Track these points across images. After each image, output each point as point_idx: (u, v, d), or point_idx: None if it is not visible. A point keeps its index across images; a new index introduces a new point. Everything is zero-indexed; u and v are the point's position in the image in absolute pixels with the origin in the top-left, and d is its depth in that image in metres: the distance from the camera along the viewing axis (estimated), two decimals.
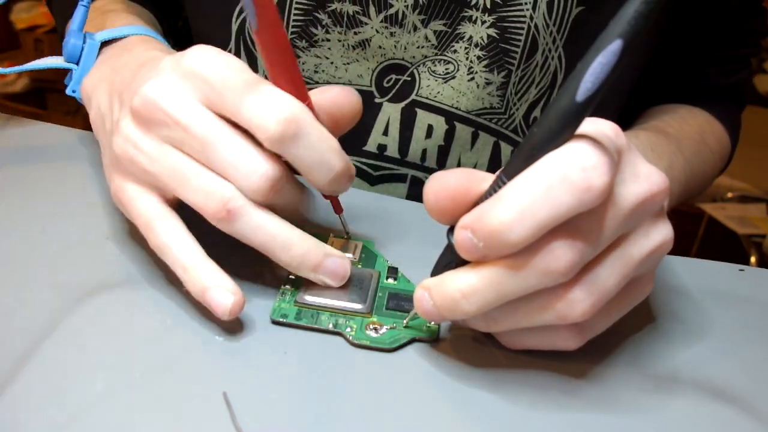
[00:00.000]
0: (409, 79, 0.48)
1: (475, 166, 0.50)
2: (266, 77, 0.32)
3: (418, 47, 0.47)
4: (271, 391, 0.27)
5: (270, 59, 0.31)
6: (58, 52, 0.47)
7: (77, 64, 0.44)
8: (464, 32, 0.46)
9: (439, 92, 0.48)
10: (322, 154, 0.30)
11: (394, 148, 0.50)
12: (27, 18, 2.16)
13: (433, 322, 0.32)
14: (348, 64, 0.48)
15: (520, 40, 0.46)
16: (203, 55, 0.30)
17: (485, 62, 0.47)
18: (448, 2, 0.45)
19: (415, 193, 0.51)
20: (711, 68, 0.59)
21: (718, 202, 1.60)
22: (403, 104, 0.49)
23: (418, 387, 0.29)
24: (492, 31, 0.46)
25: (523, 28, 0.46)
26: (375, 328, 0.31)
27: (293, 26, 0.47)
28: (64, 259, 0.34)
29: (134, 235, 0.36)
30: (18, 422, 0.25)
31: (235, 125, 0.30)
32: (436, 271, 0.30)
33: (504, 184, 0.26)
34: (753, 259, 1.42)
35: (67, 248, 0.35)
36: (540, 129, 0.25)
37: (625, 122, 0.59)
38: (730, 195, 1.63)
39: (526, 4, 0.45)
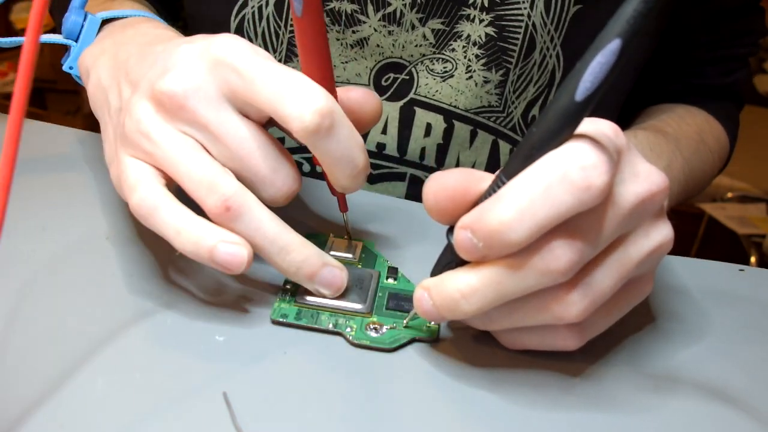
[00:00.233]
0: (408, 77, 0.48)
1: (473, 165, 0.50)
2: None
3: (416, 46, 0.47)
4: (271, 391, 0.27)
5: (308, 48, 0.31)
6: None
7: (76, 41, 0.43)
8: (462, 31, 0.46)
9: (437, 91, 0.48)
10: (351, 149, 0.30)
11: (393, 147, 0.50)
12: (27, 18, 2.15)
13: (432, 322, 0.32)
14: (346, 62, 0.48)
15: (517, 39, 0.46)
16: (234, 44, 0.30)
17: (483, 61, 0.47)
18: (446, 1, 0.45)
19: (414, 192, 0.51)
20: (709, 68, 0.59)
21: (718, 202, 1.60)
22: (401, 103, 0.49)
23: (418, 387, 0.29)
24: (490, 30, 0.46)
25: (520, 27, 0.46)
26: (375, 328, 0.31)
27: (291, 25, 0.47)
28: (64, 259, 0.34)
29: (134, 236, 0.36)
30: (18, 422, 0.25)
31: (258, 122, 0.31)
32: (436, 271, 0.30)
33: (503, 183, 0.26)
34: (753, 259, 1.42)
35: (67, 248, 0.35)
36: (539, 128, 0.25)
37: (624, 122, 0.59)
38: (730, 195, 1.63)
39: (523, 2, 0.45)
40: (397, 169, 0.50)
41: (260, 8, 0.47)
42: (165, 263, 0.34)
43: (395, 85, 0.48)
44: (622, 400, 0.29)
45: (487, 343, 0.31)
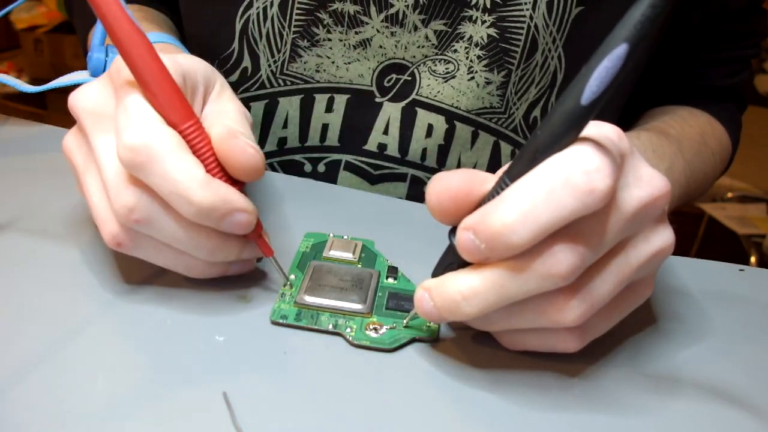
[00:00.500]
0: (410, 78, 0.48)
1: (474, 166, 0.50)
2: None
3: (418, 47, 0.47)
4: (271, 391, 0.27)
5: (133, 67, 0.29)
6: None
7: None
8: (464, 32, 0.46)
9: (439, 92, 0.48)
10: (177, 186, 0.28)
11: (395, 148, 0.50)
12: (27, 18, 2.16)
13: (433, 323, 0.32)
14: (349, 63, 0.48)
15: (519, 40, 0.46)
16: (133, 118, 0.29)
17: (485, 62, 0.47)
18: (448, 2, 0.45)
19: (416, 193, 0.51)
20: (711, 69, 0.59)
21: (718, 202, 1.60)
22: (403, 104, 0.49)
23: (418, 387, 0.29)
24: (492, 31, 0.46)
25: (522, 28, 0.46)
26: (375, 329, 0.31)
27: (295, 26, 0.47)
28: (64, 260, 0.34)
29: None
30: (18, 422, 0.25)
31: None
32: (437, 271, 0.30)
33: (507, 186, 0.26)
34: (753, 259, 1.42)
35: (67, 248, 0.35)
36: (543, 132, 0.25)
37: (626, 123, 0.59)
38: (730, 195, 1.63)
39: (525, 4, 0.45)
40: (399, 170, 0.50)
41: (265, 9, 0.47)
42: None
43: (397, 86, 0.48)
44: (622, 400, 0.29)
45: (487, 344, 0.31)
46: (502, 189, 0.26)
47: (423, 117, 0.49)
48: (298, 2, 0.46)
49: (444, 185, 0.27)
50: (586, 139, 0.25)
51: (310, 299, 0.32)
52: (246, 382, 0.28)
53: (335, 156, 0.50)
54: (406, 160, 0.50)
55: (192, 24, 0.53)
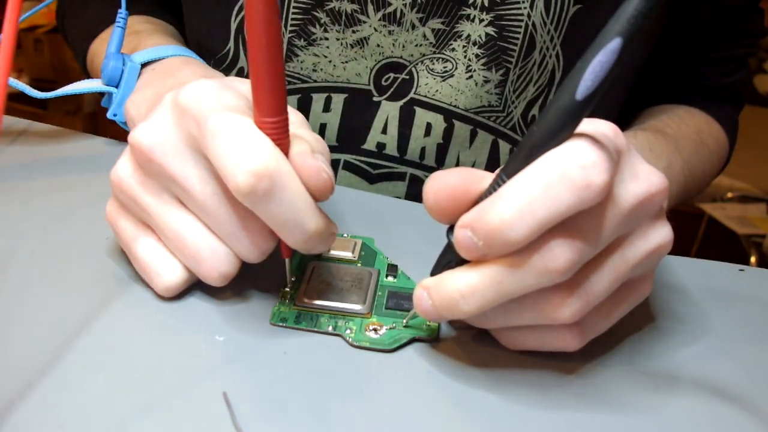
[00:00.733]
0: (408, 77, 0.48)
1: (473, 165, 0.50)
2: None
3: (416, 45, 0.47)
4: (271, 391, 0.27)
5: (256, 61, 0.27)
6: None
7: (117, 87, 0.44)
8: (462, 30, 0.46)
9: (437, 90, 0.48)
10: (296, 213, 0.28)
11: (393, 147, 0.50)
12: (27, 18, 2.15)
13: (432, 321, 0.32)
14: (346, 62, 0.48)
15: (517, 38, 0.46)
16: (198, 92, 0.29)
17: (483, 60, 0.47)
18: (446, 1, 0.45)
19: (415, 192, 0.51)
20: (708, 68, 0.58)
21: (718, 202, 1.60)
22: (401, 102, 0.49)
23: (418, 387, 0.29)
24: (490, 30, 0.46)
25: (520, 27, 0.46)
26: (375, 329, 0.31)
27: (292, 25, 0.47)
28: (64, 260, 0.34)
29: None
30: (18, 422, 0.25)
31: None
32: (436, 270, 0.30)
33: (504, 182, 0.26)
34: (753, 259, 1.42)
35: (67, 248, 0.35)
36: (539, 127, 0.25)
37: (624, 122, 0.59)
38: (730, 195, 1.63)
39: (523, 2, 0.45)
40: (397, 169, 0.50)
41: None
42: None
43: (395, 85, 0.48)
44: (621, 399, 0.29)
45: (487, 343, 0.31)
46: (499, 186, 0.26)
47: (421, 116, 0.49)
48: (295, 1, 0.46)
49: (441, 184, 0.27)
50: (582, 135, 0.25)
51: (309, 301, 0.32)
52: (246, 382, 0.28)
53: (334, 156, 0.50)
54: (404, 159, 0.50)
55: (189, 24, 0.53)
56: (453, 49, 0.47)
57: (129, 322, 0.31)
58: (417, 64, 0.48)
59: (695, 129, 0.55)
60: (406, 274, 0.35)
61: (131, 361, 0.28)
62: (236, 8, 0.48)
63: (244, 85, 0.31)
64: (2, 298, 0.31)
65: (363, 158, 0.50)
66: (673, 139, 0.51)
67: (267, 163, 0.26)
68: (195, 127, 0.28)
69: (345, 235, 0.38)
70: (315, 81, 0.49)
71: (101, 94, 0.45)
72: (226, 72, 0.50)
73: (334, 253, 0.36)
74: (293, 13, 0.47)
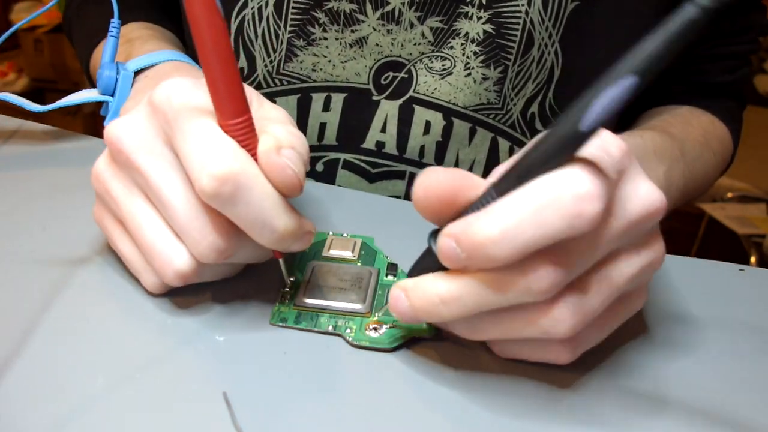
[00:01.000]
0: (407, 76, 0.48)
1: (473, 162, 0.50)
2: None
3: (414, 44, 0.47)
4: (271, 391, 0.28)
5: (208, 66, 0.27)
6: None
7: (113, 95, 0.44)
8: (460, 28, 0.46)
9: (436, 88, 0.48)
10: (264, 213, 0.28)
11: (392, 145, 0.50)
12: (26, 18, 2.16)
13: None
14: (345, 62, 0.48)
15: (516, 36, 0.46)
16: (168, 88, 0.29)
17: (482, 58, 0.47)
18: None
19: None
20: (711, 65, 0.58)
21: (718, 202, 1.60)
22: (400, 101, 0.49)
23: (418, 386, 0.29)
24: (488, 27, 0.46)
25: (518, 24, 0.46)
26: (375, 328, 0.31)
27: (291, 25, 0.47)
28: (63, 260, 0.34)
29: None
30: (18, 422, 0.25)
31: None
32: (414, 272, 0.29)
33: (494, 199, 0.26)
34: (753, 259, 1.41)
35: (67, 248, 0.35)
36: (537, 151, 0.25)
37: (625, 122, 0.59)
38: (730, 195, 1.62)
39: None
40: (397, 168, 0.50)
41: (260, 9, 0.47)
42: None
43: (394, 84, 0.48)
44: (622, 399, 0.29)
45: (485, 344, 0.31)
46: (488, 201, 0.26)
47: (420, 114, 0.49)
48: (294, 1, 0.46)
49: (433, 181, 0.27)
50: (581, 160, 0.25)
51: (309, 301, 0.32)
52: (246, 382, 0.28)
53: (333, 155, 0.50)
54: (404, 158, 0.50)
55: (188, 29, 0.53)
56: (451, 47, 0.47)
57: (128, 322, 0.31)
58: (416, 62, 0.48)
59: (701, 131, 0.54)
60: (406, 273, 0.35)
61: (131, 361, 0.28)
62: (236, 8, 0.48)
63: None
64: (1, 298, 0.31)
65: (362, 157, 0.50)
66: (679, 141, 0.50)
67: (230, 167, 0.27)
68: (166, 124, 0.29)
69: (345, 234, 0.38)
70: (314, 81, 0.49)
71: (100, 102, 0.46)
72: None
73: (334, 252, 0.36)
74: (292, 14, 0.47)
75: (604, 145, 0.26)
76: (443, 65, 0.47)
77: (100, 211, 0.33)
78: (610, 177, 0.25)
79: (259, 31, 0.48)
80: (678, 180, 0.49)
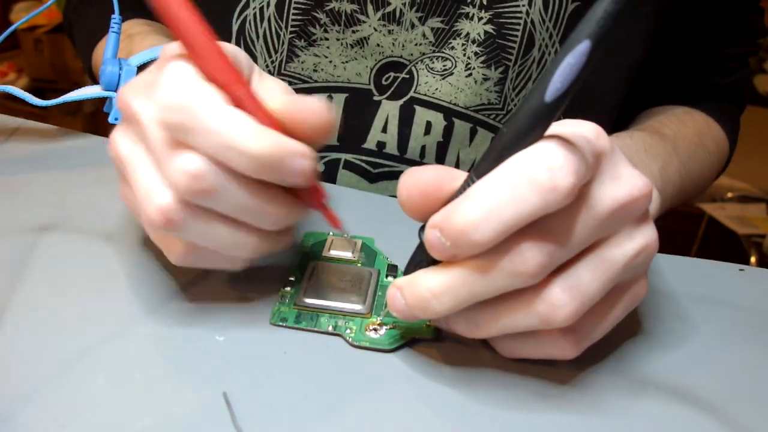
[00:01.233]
0: (408, 76, 0.48)
1: (473, 163, 0.50)
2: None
3: (415, 44, 0.47)
4: (271, 391, 0.27)
5: (181, 31, 0.28)
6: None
7: (116, 91, 0.44)
8: (461, 29, 0.46)
9: (437, 89, 0.48)
10: (227, 139, 0.26)
11: (393, 145, 0.50)
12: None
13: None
14: (346, 62, 0.48)
15: (516, 36, 0.46)
16: (171, 78, 0.28)
17: (482, 58, 0.47)
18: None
19: None
20: (709, 67, 0.58)
21: (718, 202, 1.60)
22: (401, 101, 0.49)
23: (417, 387, 0.29)
24: (489, 27, 0.46)
25: (519, 24, 0.46)
26: (375, 329, 0.31)
27: (292, 26, 0.47)
28: (63, 260, 0.34)
29: (134, 236, 0.36)
30: (18, 422, 0.25)
31: None
32: (409, 269, 0.29)
33: (473, 183, 0.26)
34: (753, 259, 1.41)
35: (67, 248, 0.35)
36: (510, 129, 0.25)
37: (623, 122, 0.59)
38: (730, 195, 1.62)
39: (522, 0, 0.45)
40: (398, 168, 0.50)
41: (261, 9, 0.47)
42: (165, 263, 0.34)
43: (395, 84, 0.48)
44: (623, 399, 0.29)
45: (487, 343, 0.31)
46: (469, 186, 0.26)
47: (421, 114, 0.49)
48: (295, 2, 0.46)
49: (414, 180, 0.27)
50: (553, 136, 0.25)
51: (309, 301, 0.32)
52: (246, 382, 0.28)
53: (334, 155, 0.50)
54: (405, 158, 0.50)
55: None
56: (452, 48, 0.47)
57: (128, 321, 0.31)
58: (417, 63, 0.48)
59: (695, 130, 0.54)
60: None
61: (131, 361, 0.28)
62: (237, 9, 0.48)
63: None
64: (2, 298, 0.31)
65: (363, 157, 0.50)
66: (671, 140, 0.50)
67: (180, 96, 0.27)
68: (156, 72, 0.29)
69: (345, 235, 0.38)
70: (316, 81, 0.49)
71: (103, 98, 0.46)
72: None
73: (334, 253, 0.36)
74: (293, 14, 0.47)
75: (578, 127, 0.26)
76: (444, 66, 0.47)
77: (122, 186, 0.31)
78: (585, 154, 0.25)
79: (261, 32, 0.48)
80: (674, 177, 0.49)
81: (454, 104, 0.48)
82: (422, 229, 0.28)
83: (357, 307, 0.32)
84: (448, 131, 0.49)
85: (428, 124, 0.49)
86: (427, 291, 0.27)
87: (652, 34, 0.52)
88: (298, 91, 0.48)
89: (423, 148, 0.50)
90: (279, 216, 0.29)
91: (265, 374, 0.28)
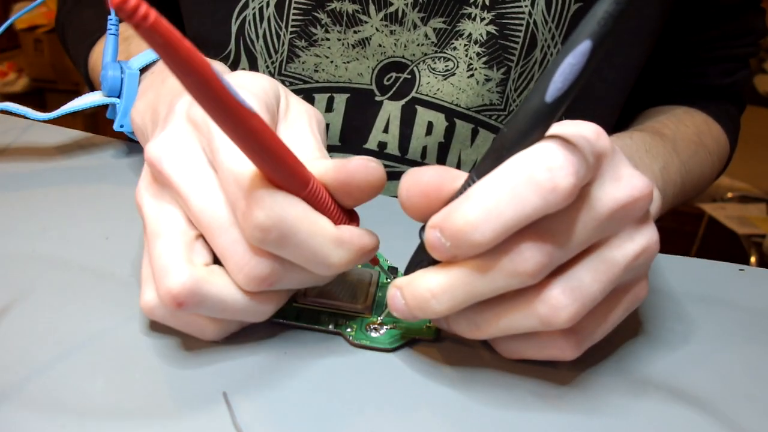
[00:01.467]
0: (409, 76, 0.48)
1: (474, 163, 0.50)
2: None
3: (418, 45, 0.47)
4: (271, 391, 0.27)
5: (235, 138, 0.24)
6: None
7: (119, 96, 0.43)
8: (463, 29, 0.46)
9: (439, 89, 0.48)
10: (315, 252, 0.27)
11: (395, 146, 0.50)
12: (27, 18, 2.16)
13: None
14: (348, 62, 0.48)
15: (519, 37, 0.46)
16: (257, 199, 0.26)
17: (485, 59, 0.47)
18: (447, 0, 0.45)
19: None
20: (709, 67, 0.58)
21: (718, 202, 1.60)
22: (403, 102, 0.49)
23: (417, 387, 0.29)
24: (491, 28, 0.46)
25: (522, 25, 0.46)
26: (375, 328, 0.31)
27: (292, 26, 0.47)
28: (63, 259, 0.34)
29: (134, 235, 0.36)
30: (18, 422, 0.25)
31: None
32: (409, 269, 0.29)
33: (474, 183, 0.26)
34: (753, 259, 1.41)
35: (66, 248, 0.35)
36: (510, 129, 0.25)
37: (624, 122, 0.59)
38: (730, 195, 1.62)
39: (524, 0, 0.45)
40: (399, 168, 0.50)
41: (261, 9, 0.47)
42: None
43: (397, 84, 0.48)
44: (622, 399, 0.29)
45: (487, 344, 0.31)
46: (470, 186, 0.26)
47: (423, 115, 0.49)
48: (296, 2, 0.46)
49: (414, 180, 0.27)
50: (553, 137, 0.25)
51: (310, 299, 0.32)
52: (246, 382, 0.28)
53: (336, 155, 0.50)
54: (406, 159, 0.50)
55: (189, 27, 0.53)
56: (454, 48, 0.47)
57: (128, 321, 0.30)
58: (419, 63, 0.48)
59: (695, 130, 0.54)
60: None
61: (131, 361, 0.28)
62: (236, 10, 0.48)
63: (253, 81, 0.30)
64: (2, 298, 0.31)
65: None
66: (671, 140, 0.50)
67: (273, 217, 0.25)
68: (208, 147, 0.28)
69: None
70: (317, 81, 0.49)
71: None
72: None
73: None
74: (293, 14, 0.47)
75: (579, 128, 0.26)
76: (446, 66, 0.47)
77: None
78: (585, 155, 0.25)
79: (260, 32, 0.48)
80: (675, 177, 0.49)
81: (456, 105, 0.48)
82: (423, 229, 0.28)
83: (357, 306, 0.32)
84: (449, 132, 0.49)
85: (430, 125, 0.49)
86: (426, 291, 0.27)
87: (654, 35, 0.52)
88: (298, 91, 0.49)
89: (424, 148, 0.50)
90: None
91: (265, 374, 0.28)
